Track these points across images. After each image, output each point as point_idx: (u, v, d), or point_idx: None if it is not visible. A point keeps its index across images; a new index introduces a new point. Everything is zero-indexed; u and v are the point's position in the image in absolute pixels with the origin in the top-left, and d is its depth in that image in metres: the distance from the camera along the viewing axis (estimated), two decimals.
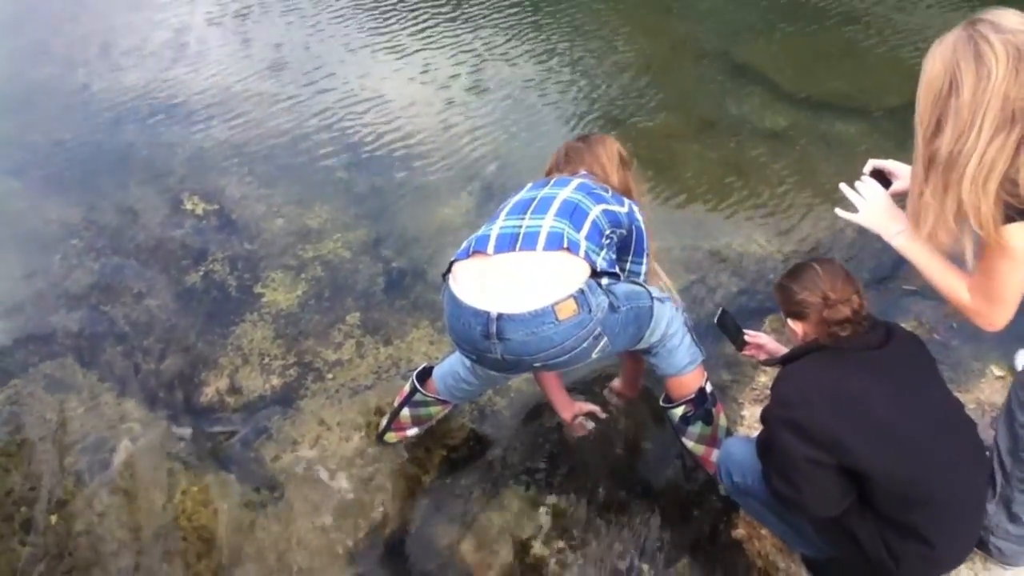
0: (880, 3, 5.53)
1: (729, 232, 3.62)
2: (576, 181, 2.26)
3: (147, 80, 4.77)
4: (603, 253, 2.12)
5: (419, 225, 3.65)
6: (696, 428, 2.49)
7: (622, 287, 2.18)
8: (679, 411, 2.47)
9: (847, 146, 4.16)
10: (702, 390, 2.46)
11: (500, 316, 1.96)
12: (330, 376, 2.98)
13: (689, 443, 2.53)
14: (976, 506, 1.99)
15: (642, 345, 2.32)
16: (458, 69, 4.87)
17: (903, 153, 3.84)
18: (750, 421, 2.79)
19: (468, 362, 2.44)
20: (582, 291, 2.00)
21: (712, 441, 2.51)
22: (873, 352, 1.95)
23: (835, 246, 3.54)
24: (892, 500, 1.85)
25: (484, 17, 5.49)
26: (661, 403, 2.53)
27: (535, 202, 2.16)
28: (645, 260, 2.38)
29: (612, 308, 2.09)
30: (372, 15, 5.47)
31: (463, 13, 5.55)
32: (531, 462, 2.69)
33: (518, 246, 2.03)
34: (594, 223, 2.12)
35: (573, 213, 2.10)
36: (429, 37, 5.22)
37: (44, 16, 5.58)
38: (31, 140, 4.27)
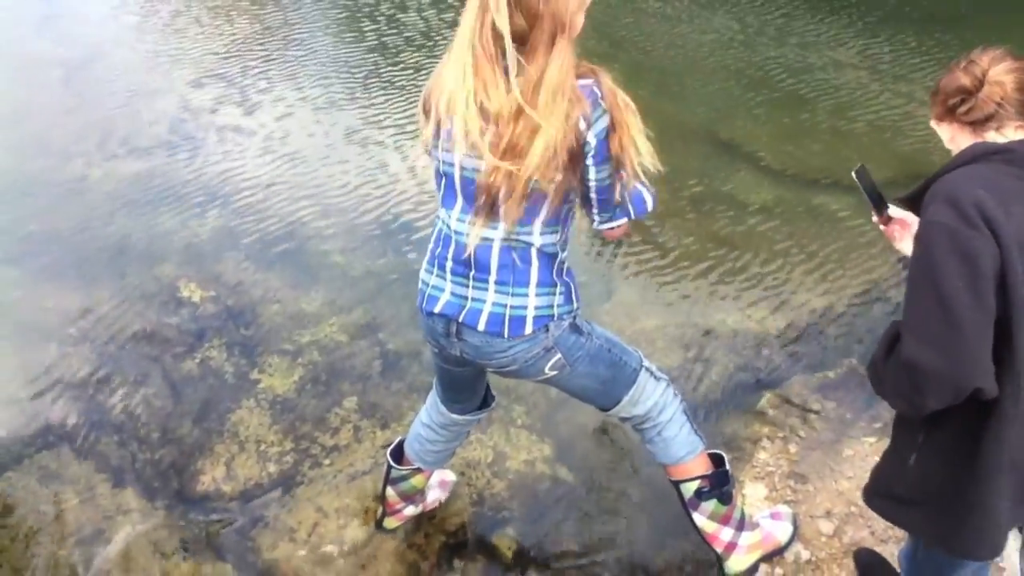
0: (857, 80, 5.68)
1: (722, 308, 3.65)
2: None
3: (144, 169, 4.84)
4: (560, 252, 2.03)
5: (414, 307, 3.65)
6: (710, 505, 2.41)
7: (604, 331, 2.19)
8: (693, 486, 2.39)
9: (833, 220, 4.24)
10: (725, 472, 2.40)
11: (462, 322, 2.03)
12: (327, 462, 2.96)
13: (700, 519, 2.42)
14: None
15: (619, 410, 2.26)
16: None
17: None
18: (752, 500, 2.77)
19: (426, 419, 2.50)
20: (546, 327, 2.02)
21: (725, 520, 2.42)
22: None
23: (828, 320, 3.57)
24: None
25: None
26: (670, 479, 2.48)
27: (473, 256, 1.99)
28: (609, 166, 1.90)
29: (576, 330, 2.08)
30: (370, 101, 5.59)
31: None
32: (530, 546, 2.66)
33: (462, 317, 2.02)
34: (541, 253, 1.98)
35: (515, 266, 1.98)
36: None
37: (43, 108, 5.68)
38: (28, 230, 4.30)
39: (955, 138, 1.75)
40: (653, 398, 2.28)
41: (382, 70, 5.94)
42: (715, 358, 3.39)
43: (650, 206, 2.04)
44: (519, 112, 1.79)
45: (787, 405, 3.13)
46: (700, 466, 2.39)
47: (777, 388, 3.23)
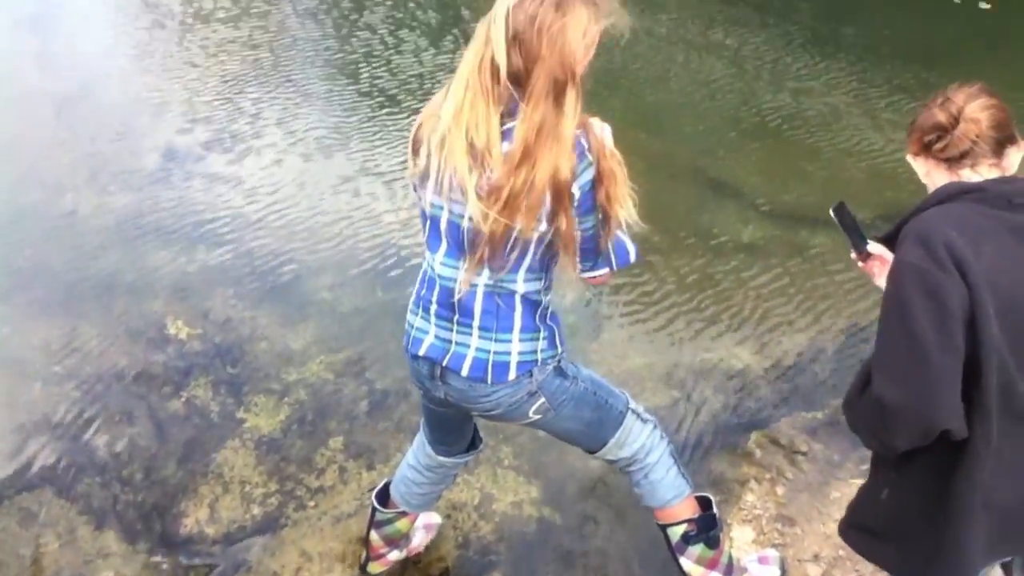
0: (849, 118, 5.73)
1: (710, 348, 3.66)
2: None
3: (134, 204, 4.83)
4: (543, 297, 2.03)
5: (403, 345, 3.66)
6: (697, 549, 2.41)
7: (590, 373, 2.19)
8: (679, 529, 2.40)
9: (821, 258, 4.25)
10: (712, 515, 2.41)
11: (446, 366, 2.03)
12: (311, 504, 2.94)
13: (687, 564, 2.43)
14: None
15: (605, 453, 2.26)
16: None
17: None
18: (739, 543, 2.75)
19: (412, 460, 2.48)
20: (530, 372, 2.02)
21: (713, 564, 2.42)
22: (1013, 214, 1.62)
23: (816, 360, 3.57)
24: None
25: None
26: (657, 522, 2.47)
27: (456, 301, 1.99)
28: (593, 216, 1.88)
29: (561, 374, 2.08)
30: (361, 142, 5.59)
31: None
32: None
33: (446, 361, 2.02)
34: (524, 299, 1.99)
35: (499, 312, 1.98)
36: None
37: (35, 142, 5.68)
38: (15, 265, 4.29)
39: (930, 173, 1.77)
40: (640, 440, 2.28)
41: (376, 114, 5.93)
42: (703, 398, 3.39)
43: (632, 257, 2.04)
44: (523, 160, 1.76)
45: (774, 446, 3.13)
46: (687, 510, 2.38)
47: (764, 429, 3.22)
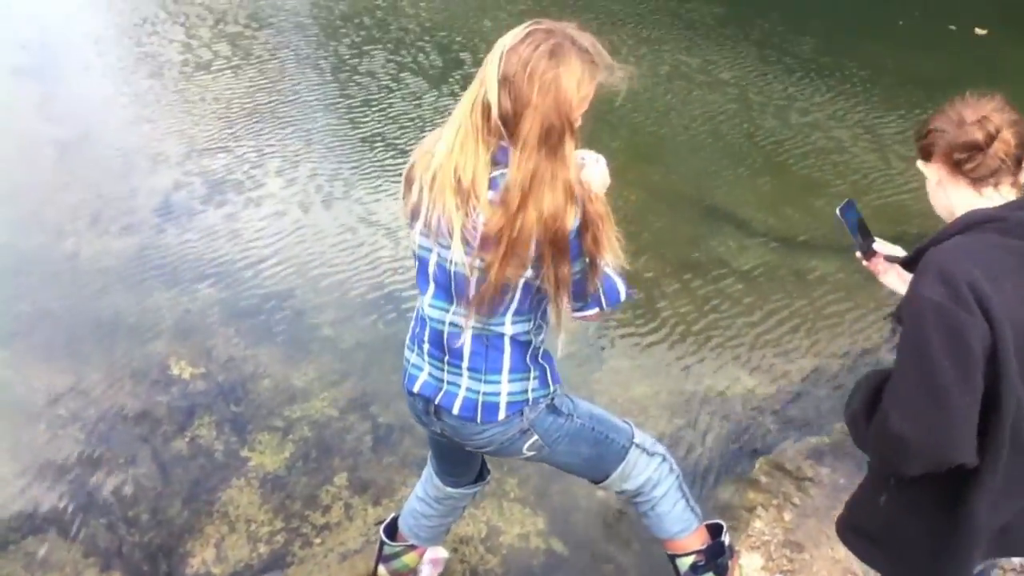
0: (856, 151, 5.76)
1: (713, 374, 3.66)
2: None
3: (135, 248, 4.86)
4: (534, 338, 2.03)
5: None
6: None
7: (591, 408, 2.19)
8: (688, 560, 2.38)
9: (821, 282, 4.27)
10: (720, 544, 2.40)
11: (438, 404, 2.05)
12: (318, 541, 2.93)
13: None
14: None
15: (609, 484, 2.26)
16: None
17: (876, 288, 3.87)
18: (748, 570, 2.73)
19: (421, 492, 2.49)
20: (521, 412, 2.02)
21: None
22: None
23: (819, 384, 3.58)
24: None
25: None
26: (666, 552, 2.45)
27: (445, 342, 2.01)
28: (580, 261, 1.88)
29: (555, 411, 2.08)
30: (363, 189, 5.62)
31: None
32: None
33: (439, 399, 2.04)
34: (513, 341, 1.99)
35: (488, 354, 1.99)
36: None
37: (37, 186, 5.72)
38: (18, 309, 4.30)
39: (943, 183, 1.72)
40: (645, 474, 2.27)
41: (377, 161, 5.93)
42: (707, 425, 3.39)
43: (623, 295, 2.02)
44: (520, 206, 1.75)
45: (780, 472, 3.12)
46: (696, 541, 2.37)
47: (770, 454, 3.22)
